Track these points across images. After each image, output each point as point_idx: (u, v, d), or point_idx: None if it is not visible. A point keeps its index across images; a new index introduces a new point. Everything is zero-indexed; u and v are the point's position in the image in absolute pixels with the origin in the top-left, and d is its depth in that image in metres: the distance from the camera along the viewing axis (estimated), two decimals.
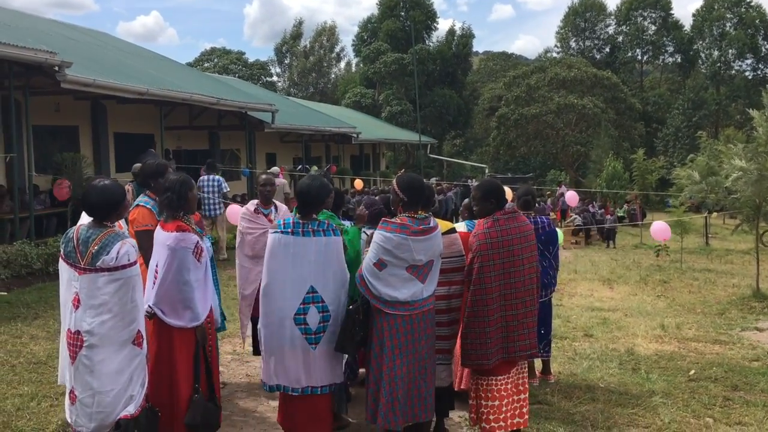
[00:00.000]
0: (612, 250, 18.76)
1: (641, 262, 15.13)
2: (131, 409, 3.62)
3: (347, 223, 5.30)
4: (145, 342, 3.72)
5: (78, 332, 3.55)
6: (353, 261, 4.51)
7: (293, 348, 4.10)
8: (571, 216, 22.34)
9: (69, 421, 3.73)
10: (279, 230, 4.14)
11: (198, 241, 4.08)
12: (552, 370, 6.20)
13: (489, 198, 4.47)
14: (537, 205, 6.50)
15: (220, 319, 4.85)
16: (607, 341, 7.62)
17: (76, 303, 3.56)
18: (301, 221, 4.14)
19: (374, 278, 4.07)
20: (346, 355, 4.34)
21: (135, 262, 3.63)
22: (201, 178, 12.51)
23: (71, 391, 3.64)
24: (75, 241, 3.62)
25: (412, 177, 4.33)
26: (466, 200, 5.51)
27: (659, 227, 10.13)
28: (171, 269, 3.95)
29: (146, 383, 3.76)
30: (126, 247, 3.58)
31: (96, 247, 3.54)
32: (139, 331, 3.65)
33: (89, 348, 3.53)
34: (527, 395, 4.51)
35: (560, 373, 6.30)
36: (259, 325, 4.26)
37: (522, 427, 4.46)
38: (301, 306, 4.08)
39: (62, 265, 3.71)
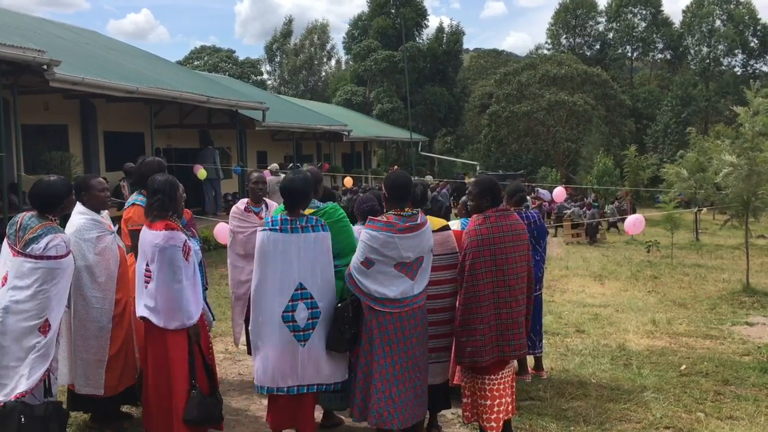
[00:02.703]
0: (603, 247, 18.81)
1: (632, 258, 15.19)
2: (25, 386, 3.74)
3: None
4: (51, 332, 3.87)
5: None
6: None
7: (282, 346, 4.06)
8: (567, 210, 22.35)
9: None
10: (267, 228, 4.10)
11: (186, 240, 4.09)
12: (544, 366, 6.21)
13: (485, 195, 4.48)
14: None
15: (210, 317, 4.82)
16: (599, 337, 7.64)
17: (4, 281, 3.87)
18: (288, 218, 4.12)
19: (362, 276, 4.06)
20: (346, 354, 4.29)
21: (62, 256, 3.89)
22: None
23: None
24: (17, 225, 3.94)
25: (397, 175, 4.30)
26: (464, 198, 5.50)
27: (632, 221, 10.09)
28: (163, 269, 3.95)
29: (44, 374, 3.84)
30: (56, 241, 3.88)
31: (31, 235, 3.87)
32: (47, 320, 3.84)
33: (2, 323, 3.79)
34: (514, 389, 4.51)
35: (552, 369, 6.32)
36: (250, 326, 4.23)
37: (510, 415, 4.48)
38: (290, 303, 4.05)
39: (4, 244, 3.99)
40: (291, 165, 22.03)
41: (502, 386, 4.39)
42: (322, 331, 4.12)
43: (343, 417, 4.97)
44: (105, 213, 4.77)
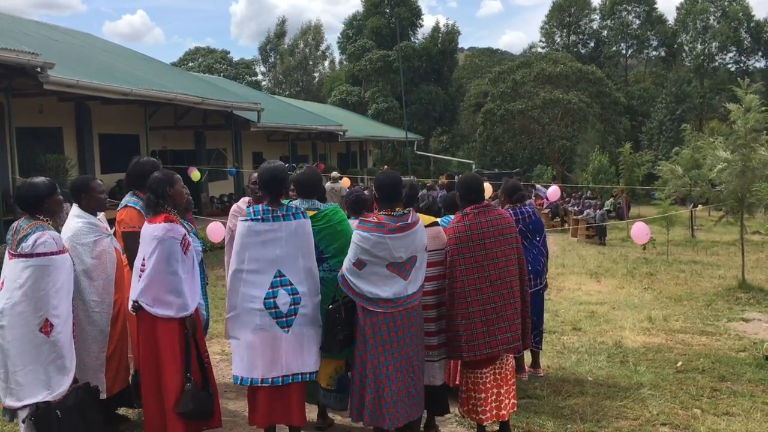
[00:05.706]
0: (599, 245, 18.84)
1: (628, 255, 15.23)
2: (49, 396, 3.82)
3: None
4: (55, 332, 3.87)
5: None
6: None
7: (264, 333, 4.04)
8: (581, 210, 22.41)
9: None
10: (249, 218, 4.11)
11: (185, 234, 4.09)
12: (541, 364, 6.22)
13: (464, 192, 4.52)
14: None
15: (206, 316, 4.81)
16: (595, 334, 7.65)
17: (2, 285, 3.90)
18: (269, 207, 4.13)
19: (355, 277, 4.06)
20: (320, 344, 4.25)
21: (52, 253, 3.89)
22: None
23: None
24: (13, 230, 3.99)
25: (386, 175, 4.30)
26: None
27: (639, 229, 10.12)
28: (160, 260, 3.95)
29: (70, 370, 3.94)
30: (44, 238, 3.89)
31: (21, 236, 3.91)
32: (47, 320, 3.85)
33: (1, 328, 3.81)
34: (513, 385, 4.51)
35: (549, 367, 6.33)
36: (226, 314, 4.21)
37: (507, 415, 4.47)
38: (270, 290, 4.05)
39: (5, 251, 4.05)
40: (288, 165, 22.02)
41: (494, 378, 4.41)
42: (305, 318, 4.10)
43: (334, 417, 4.97)
44: (101, 215, 4.75)
